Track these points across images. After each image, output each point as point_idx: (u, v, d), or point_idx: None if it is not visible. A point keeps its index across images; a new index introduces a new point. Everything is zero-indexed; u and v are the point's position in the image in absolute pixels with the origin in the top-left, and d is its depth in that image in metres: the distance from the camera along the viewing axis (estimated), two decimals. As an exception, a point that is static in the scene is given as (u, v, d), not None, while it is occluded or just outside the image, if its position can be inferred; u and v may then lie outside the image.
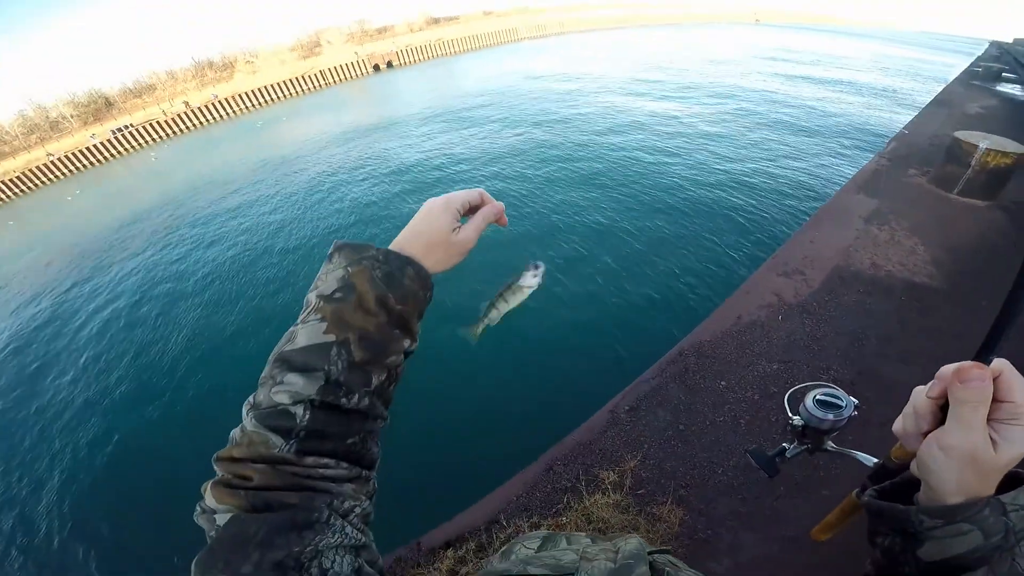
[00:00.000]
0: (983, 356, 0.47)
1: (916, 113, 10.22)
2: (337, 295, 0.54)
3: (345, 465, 0.52)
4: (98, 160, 39.64)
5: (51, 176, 38.01)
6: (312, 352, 0.51)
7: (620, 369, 5.03)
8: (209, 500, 0.45)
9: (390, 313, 0.56)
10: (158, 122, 42.26)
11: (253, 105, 47.53)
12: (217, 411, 5.85)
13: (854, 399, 1.05)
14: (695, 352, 4.13)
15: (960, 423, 0.46)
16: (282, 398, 0.49)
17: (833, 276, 4.88)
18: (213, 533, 0.44)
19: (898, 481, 0.57)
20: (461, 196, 0.66)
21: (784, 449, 1.19)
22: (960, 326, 4.14)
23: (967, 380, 0.45)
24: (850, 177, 7.38)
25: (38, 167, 37.81)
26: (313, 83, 51.17)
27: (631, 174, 10.66)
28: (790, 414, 1.11)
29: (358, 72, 54.04)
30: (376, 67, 55.51)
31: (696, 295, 6.51)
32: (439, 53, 59.72)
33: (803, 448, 1.14)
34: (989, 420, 0.45)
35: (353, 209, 11.83)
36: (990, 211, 5.97)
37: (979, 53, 27.55)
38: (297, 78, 50.13)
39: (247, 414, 0.50)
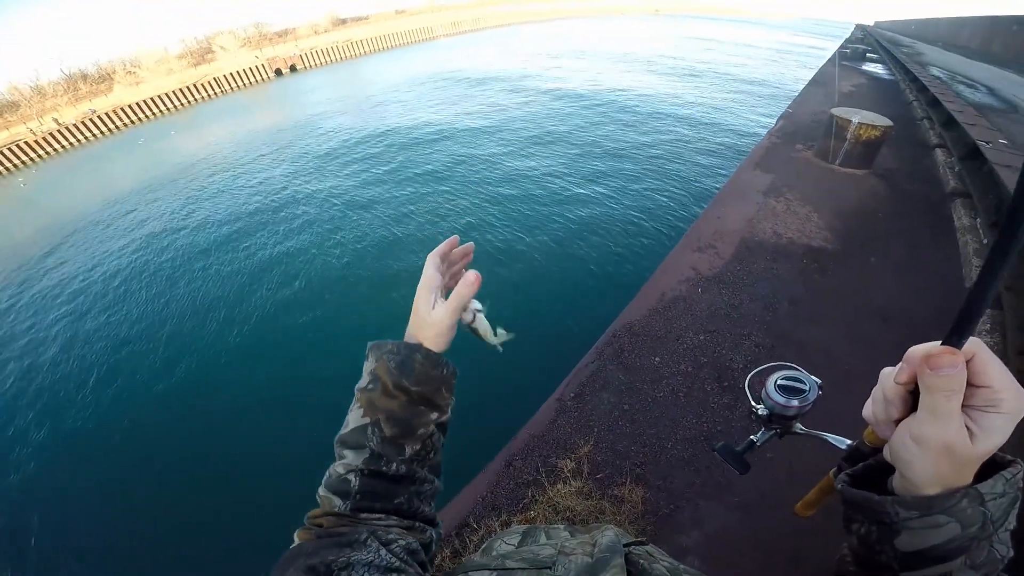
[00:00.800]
0: (954, 339, 0.43)
1: (797, 93, 11.16)
2: (369, 386, 0.66)
3: (395, 519, 0.63)
4: None
5: None
6: (357, 433, 0.65)
7: (560, 357, 5.09)
8: (296, 540, 0.59)
9: (409, 394, 0.66)
10: (26, 142, 37.26)
11: (139, 118, 43.10)
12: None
13: (816, 379, 1.01)
14: (627, 332, 4.26)
15: (933, 413, 0.44)
16: (340, 469, 0.64)
17: (741, 247, 5.23)
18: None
19: (872, 464, 0.56)
20: (428, 274, 0.72)
21: (752, 442, 1.13)
22: (855, 282, 4.60)
23: (938, 367, 0.43)
24: (746, 155, 7.94)
25: None
26: (207, 91, 47.10)
27: (541, 176, 10.83)
28: (752, 402, 1.05)
29: (259, 77, 50.50)
30: (278, 71, 52.16)
31: (621, 279, 6.77)
32: (348, 55, 57.30)
33: (771, 434, 1.08)
34: (964, 407, 0.43)
35: (245, 220, 11.26)
36: (867, 179, 6.66)
37: (847, 35, 30.72)
38: (189, 87, 45.99)
39: (323, 482, 0.64)
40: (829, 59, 13.84)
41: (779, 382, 1.00)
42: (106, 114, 41.38)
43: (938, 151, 7.36)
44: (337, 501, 0.61)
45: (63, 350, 8.34)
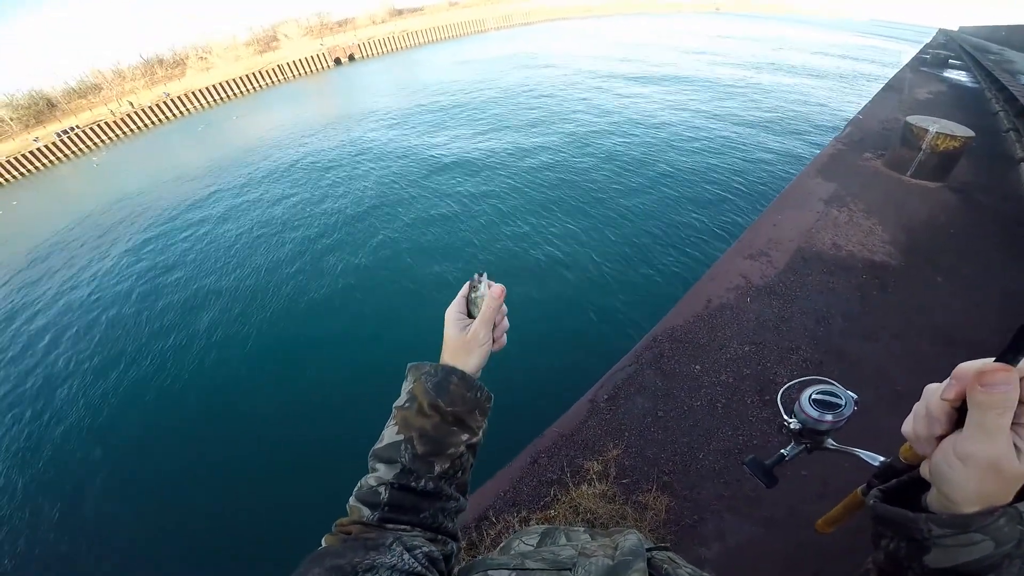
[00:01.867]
0: (1009, 356, 0.43)
1: (869, 99, 10.57)
2: (406, 405, 0.71)
3: (419, 531, 0.65)
4: (42, 164, 37.22)
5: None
6: (390, 448, 0.68)
7: (597, 358, 5.06)
8: (324, 543, 0.62)
9: (443, 414, 0.69)
10: (106, 123, 39.79)
11: (208, 103, 45.29)
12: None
13: (853, 394, 0.98)
14: (668, 337, 4.17)
15: (982, 430, 0.43)
16: (371, 481, 0.67)
17: (797, 257, 5.01)
18: None
19: (906, 480, 0.55)
20: (456, 301, 0.80)
21: (783, 456, 1.11)
22: (918, 301, 4.32)
23: (991, 384, 0.42)
24: (809, 162, 7.59)
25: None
26: (271, 78, 49.19)
27: (592, 169, 10.72)
28: (784, 416, 1.03)
29: (318, 66, 52.32)
30: (337, 60, 53.88)
31: (666, 282, 6.64)
32: (403, 45, 58.44)
33: (801, 449, 1.06)
34: (1013, 426, 0.42)
35: (300, 211, 11.58)
36: (940, 192, 6.23)
37: (927, 40, 28.73)
38: (253, 74, 47.89)
39: (354, 493, 0.67)
40: (907, 64, 12.98)
41: (814, 396, 0.97)
42: (179, 97, 43.79)
43: (1023, 166, 6.81)
44: (366, 511, 0.64)
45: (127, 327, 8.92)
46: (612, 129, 13.26)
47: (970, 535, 0.43)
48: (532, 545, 1.01)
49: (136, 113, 41.25)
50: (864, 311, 4.27)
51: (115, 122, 40.13)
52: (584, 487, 3.05)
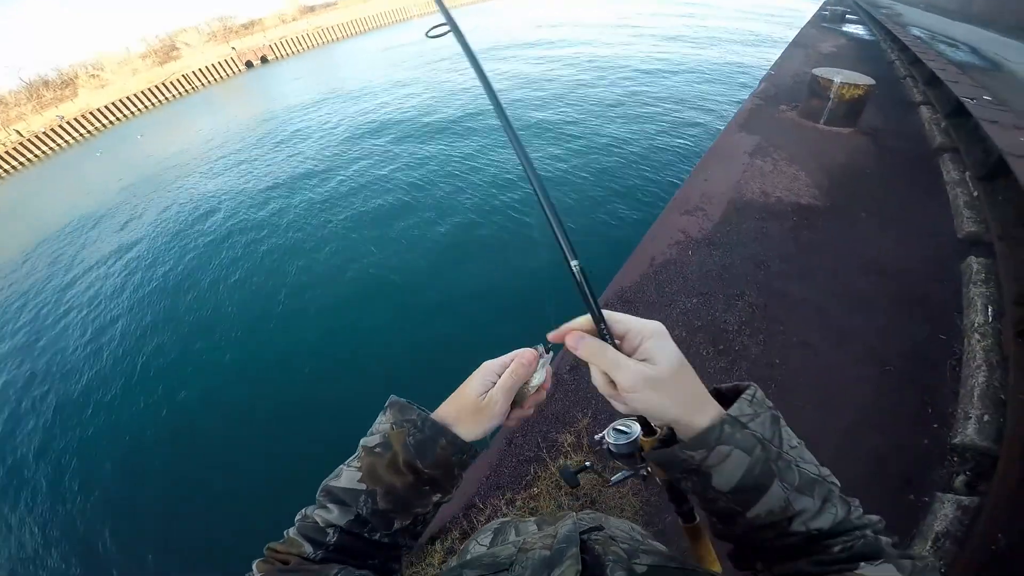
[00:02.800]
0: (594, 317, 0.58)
1: (778, 55, 11.01)
2: (376, 449, 0.61)
3: (365, 571, 0.57)
4: None
5: None
6: (348, 493, 0.59)
7: (552, 329, 4.96)
8: (255, 571, 0.55)
9: (419, 475, 0.60)
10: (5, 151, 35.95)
11: (109, 121, 41.86)
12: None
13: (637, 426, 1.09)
14: (619, 299, 4.14)
15: (610, 369, 0.55)
16: (318, 519, 0.59)
17: (730, 208, 5.11)
18: None
19: (668, 432, 0.62)
20: (500, 359, 0.68)
21: (587, 466, 1.39)
22: (845, 237, 4.50)
23: (572, 349, 0.58)
24: (730, 118, 7.80)
25: None
26: (177, 89, 45.91)
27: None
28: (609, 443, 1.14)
29: (229, 71, 49.36)
30: (249, 63, 50.91)
31: (611, 247, 6.62)
32: (320, 42, 55.96)
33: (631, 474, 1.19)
34: (633, 351, 0.55)
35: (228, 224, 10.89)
36: (852, 137, 6.56)
37: None
38: (156, 86, 44.63)
39: (296, 521, 0.60)
40: (808, 21, 13.66)
41: (616, 427, 1.13)
42: (75, 119, 40.08)
43: (923, 108, 7.28)
44: (308, 548, 0.57)
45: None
46: (537, 103, 13.18)
47: (718, 449, 0.50)
48: (486, 545, 1.00)
49: (28, 141, 37.33)
50: (799, 252, 4.39)
51: (6, 153, 36.19)
52: (562, 460, 3.05)
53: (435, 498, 0.63)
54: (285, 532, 0.59)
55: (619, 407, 0.59)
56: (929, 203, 4.89)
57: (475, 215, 8.53)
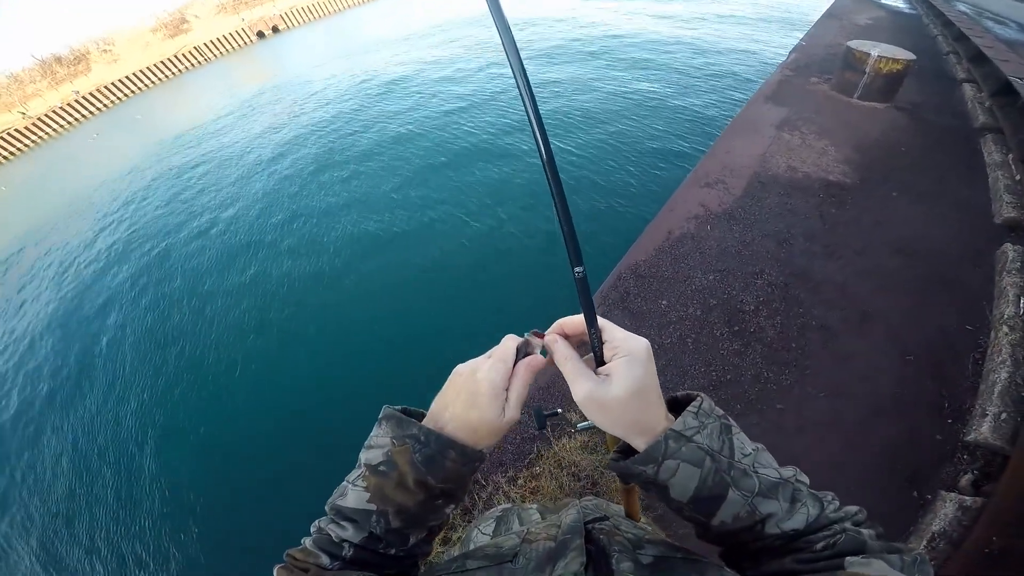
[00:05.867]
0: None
1: (811, 26, 10.44)
2: (381, 468, 0.56)
3: None
4: None
5: None
6: (359, 513, 0.56)
7: (564, 302, 4.80)
8: None
9: (430, 491, 0.56)
10: (16, 130, 36.40)
11: (124, 94, 42.40)
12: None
13: None
14: (633, 274, 3.96)
15: (569, 379, 0.58)
16: (332, 535, 0.56)
17: (753, 182, 4.84)
18: None
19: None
20: (500, 372, 0.61)
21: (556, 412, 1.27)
22: (876, 216, 4.23)
23: (550, 346, 0.62)
24: (757, 88, 7.40)
25: None
26: (189, 61, 46.12)
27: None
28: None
29: (240, 42, 49.19)
30: (260, 34, 50.51)
31: (627, 218, 6.39)
32: (333, 9, 54.93)
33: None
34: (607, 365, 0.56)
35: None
36: (888, 112, 6.18)
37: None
38: (168, 59, 44.83)
39: (312, 532, 0.58)
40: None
41: None
42: (90, 94, 40.36)
43: (966, 86, 6.85)
44: (324, 559, 0.55)
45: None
46: (556, 68, 12.73)
47: (666, 464, 0.51)
48: (488, 534, 1.02)
49: (47, 116, 37.84)
50: (824, 229, 4.15)
51: (26, 128, 36.64)
52: (565, 440, 2.97)
53: (449, 509, 0.61)
54: (303, 540, 0.58)
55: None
56: (967, 184, 4.57)
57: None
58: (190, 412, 5.82)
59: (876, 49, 6.27)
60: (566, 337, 0.62)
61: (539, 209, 7.25)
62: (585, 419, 1.15)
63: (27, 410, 6.82)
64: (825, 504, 0.52)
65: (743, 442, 0.54)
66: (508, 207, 7.53)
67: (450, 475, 0.56)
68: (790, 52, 8.64)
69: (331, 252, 7.66)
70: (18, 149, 35.91)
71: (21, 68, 48.37)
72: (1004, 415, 2.45)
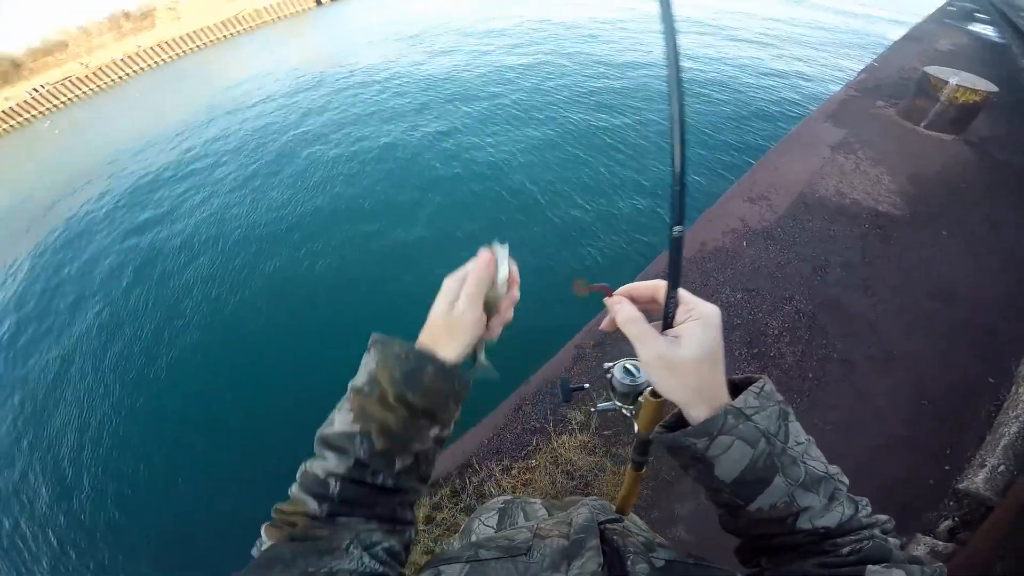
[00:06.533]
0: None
1: (887, 47, 9.92)
2: (364, 389, 0.57)
3: (375, 524, 0.56)
4: (18, 123, 36.08)
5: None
6: (343, 437, 0.56)
7: (588, 301, 4.79)
8: (264, 536, 0.54)
9: (411, 408, 0.57)
10: (77, 78, 38.37)
11: (183, 51, 44.36)
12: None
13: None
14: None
15: (634, 341, 0.56)
16: (318, 471, 0.56)
17: (798, 202, 4.71)
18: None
19: (678, 412, 0.59)
20: (458, 272, 0.64)
21: (583, 387, 1.42)
22: (921, 254, 4.08)
23: (610, 308, 0.60)
24: (818, 106, 7.13)
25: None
26: (246, 23, 47.54)
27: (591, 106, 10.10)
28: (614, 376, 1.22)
29: (297, 8, 50.41)
30: (318, 1, 51.26)
31: (661, 222, 6.29)
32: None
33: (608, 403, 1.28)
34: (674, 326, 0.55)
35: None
36: (956, 145, 5.88)
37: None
38: (228, 20, 46.41)
39: (297, 478, 0.57)
40: (931, 15, 12.18)
41: (626, 365, 1.20)
42: (151, 48, 42.26)
43: (1045, 125, 6.42)
44: (312, 504, 0.54)
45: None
46: (629, 63, 12.47)
47: (720, 439, 0.50)
48: (491, 526, 1.02)
49: (107, 67, 40.02)
50: (864, 261, 4.04)
51: (87, 76, 38.58)
52: (565, 437, 3.00)
53: (433, 432, 0.60)
54: (289, 490, 0.57)
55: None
56: (1022, 233, 4.36)
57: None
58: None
59: (955, 77, 5.90)
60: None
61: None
62: (606, 400, 1.27)
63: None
64: (860, 507, 0.52)
65: (798, 431, 0.53)
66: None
67: (429, 391, 0.57)
68: (859, 72, 8.25)
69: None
70: (76, 97, 37.64)
71: (90, 21, 50.80)
72: (1002, 467, 2.43)
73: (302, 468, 0.57)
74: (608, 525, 0.66)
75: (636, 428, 0.94)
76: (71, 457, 5.37)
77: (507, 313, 0.68)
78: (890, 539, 0.50)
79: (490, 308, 0.65)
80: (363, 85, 15.04)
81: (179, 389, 5.71)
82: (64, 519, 4.83)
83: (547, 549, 0.58)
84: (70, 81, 38.04)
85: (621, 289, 0.62)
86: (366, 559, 0.50)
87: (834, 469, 0.53)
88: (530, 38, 17.15)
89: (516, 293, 0.67)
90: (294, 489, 0.56)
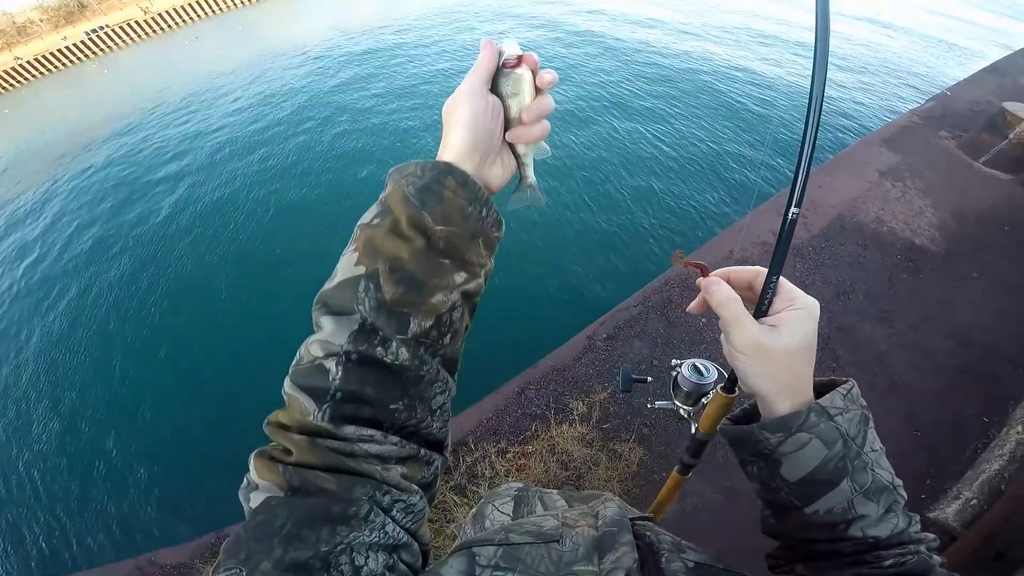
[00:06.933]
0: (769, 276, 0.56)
1: (966, 76, 9.46)
2: (375, 221, 0.47)
3: (395, 439, 0.45)
4: (71, 62, 37.36)
5: (16, 80, 36.20)
6: (344, 289, 0.45)
7: (604, 292, 4.93)
8: (252, 472, 0.42)
9: (430, 236, 0.47)
10: (136, 22, 39.08)
11: (239, 3, 44.35)
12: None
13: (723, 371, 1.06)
14: (680, 284, 4.06)
15: (727, 324, 0.54)
16: (315, 349, 0.44)
17: (835, 224, 4.73)
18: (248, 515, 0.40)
19: (748, 406, 0.61)
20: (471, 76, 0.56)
21: (645, 379, 1.36)
22: (946, 292, 4.09)
23: (706, 289, 0.57)
24: (875, 128, 6.97)
25: (4, 71, 35.95)
26: None
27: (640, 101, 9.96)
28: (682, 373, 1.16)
29: None
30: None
31: (692, 223, 6.31)
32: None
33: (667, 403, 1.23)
34: (770, 314, 0.54)
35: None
36: (1010, 185, 5.70)
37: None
38: None
39: (290, 371, 0.46)
40: (1021, 48, 11.49)
41: (695, 364, 1.15)
42: None
43: (1111, 178, 6.16)
44: (308, 404, 0.43)
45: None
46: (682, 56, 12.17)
47: (797, 436, 0.49)
48: (508, 512, 0.99)
49: (166, 12, 40.78)
50: (888, 293, 4.08)
51: (145, 21, 39.31)
52: (565, 427, 3.03)
53: (459, 278, 0.49)
54: (283, 391, 0.45)
55: (728, 360, 0.58)
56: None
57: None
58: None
59: None
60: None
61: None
62: (665, 400, 1.22)
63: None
64: (912, 522, 0.51)
65: (874, 438, 0.51)
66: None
67: (450, 211, 0.47)
68: (928, 99, 7.96)
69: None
70: (130, 40, 38.92)
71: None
72: (975, 501, 2.53)
73: (298, 354, 0.46)
74: (638, 521, 0.65)
75: (694, 429, 0.99)
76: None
77: (534, 126, 0.57)
78: (934, 556, 0.49)
79: (512, 120, 0.57)
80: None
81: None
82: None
83: (579, 538, 0.56)
84: (128, 24, 38.75)
85: (719, 271, 0.59)
86: (389, 527, 0.42)
87: (898, 482, 0.52)
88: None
89: (548, 101, 0.57)
90: (286, 384, 0.45)
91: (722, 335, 0.58)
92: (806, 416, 0.49)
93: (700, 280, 0.59)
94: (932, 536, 0.51)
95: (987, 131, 6.10)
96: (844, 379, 0.53)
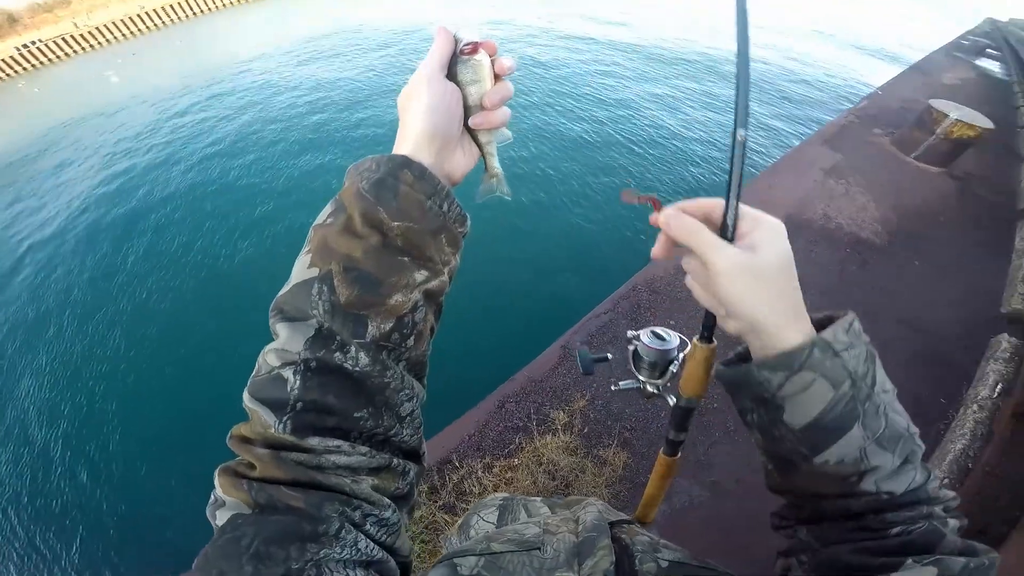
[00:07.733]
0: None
1: (894, 76, 10.15)
2: (328, 220, 0.45)
3: (364, 450, 0.43)
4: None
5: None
6: (298, 293, 0.43)
7: (573, 300, 5.00)
8: (218, 489, 0.40)
9: (385, 233, 0.44)
10: (72, 36, 37.53)
11: (187, 15, 43.08)
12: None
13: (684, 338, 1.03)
14: (648, 288, 4.15)
15: (705, 250, 0.49)
16: (272, 359, 0.42)
17: (786, 223, 4.86)
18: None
19: (741, 350, 0.56)
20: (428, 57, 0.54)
21: (606, 358, 1.22)
22: (891, 282, 4.37)
23: (668, 220, 0.52)
24: (816, 129, 7.39)
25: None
26: None
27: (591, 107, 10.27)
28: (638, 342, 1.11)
29: None
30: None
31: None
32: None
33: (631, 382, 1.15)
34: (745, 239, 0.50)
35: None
36: (940, 178, 6.15)
37: (972, 26, 26.99)
38: None
39: (249, 381, 0.43)
40: (942, 47, 12.37)
41: (654, 330, 1.08)
42: (154, 10, 41.18)
43: (1024, 166, 6.70)
44: (268, 416, 0.40)
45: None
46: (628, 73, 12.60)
47: (801, 375, 0.44)
48: (492, 522, 0.98)
49: (102, 27, 39.34)
50: (840, 286, 4.31)
51: (81, 35, 38.26)
52: (548, 437, 3.03)
53: (420, 276, 0.46)
54: (244, 403, 0.43)
55: (704, 302, 0.55)
56: (989, 267, 4.64)
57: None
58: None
59: (956, 112, 6.06)
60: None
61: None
62: (629, 379, 1.12)
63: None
64: (931, 478, 0.46)
65: (884, 378, 0.46)
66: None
67: (408, 206, 0.45)
68: (862, 98, 8.50)
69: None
70: (63, 56, 37.33)
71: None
72: (946, 480, 2.64)
73: (257, 363, 0.44)
74: (616, 524, 0.65)
75: (674, 399, 0.90)
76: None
77: (495, 111, 0.55)
78: (950, 520, 0.44)
79: (471, 108, 0.56)
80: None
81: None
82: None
83: (560, 545, 0.56)
84: (63, 39, 37.36)
85: (672, 206, 0.54)
86: (362, 543, 0.40)
87: (915, 429, 0.47)
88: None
89: (509, 86, 0.56)
90: (245, 397, 0.42)
91: (688, 278, 0.56)
92: (809, 352, 0.44)
93: (655, 217, 0.54)
94: (952, 495, 0.47)
95: (917, 128, 6.49)
96: (843, 311, 0.49)
